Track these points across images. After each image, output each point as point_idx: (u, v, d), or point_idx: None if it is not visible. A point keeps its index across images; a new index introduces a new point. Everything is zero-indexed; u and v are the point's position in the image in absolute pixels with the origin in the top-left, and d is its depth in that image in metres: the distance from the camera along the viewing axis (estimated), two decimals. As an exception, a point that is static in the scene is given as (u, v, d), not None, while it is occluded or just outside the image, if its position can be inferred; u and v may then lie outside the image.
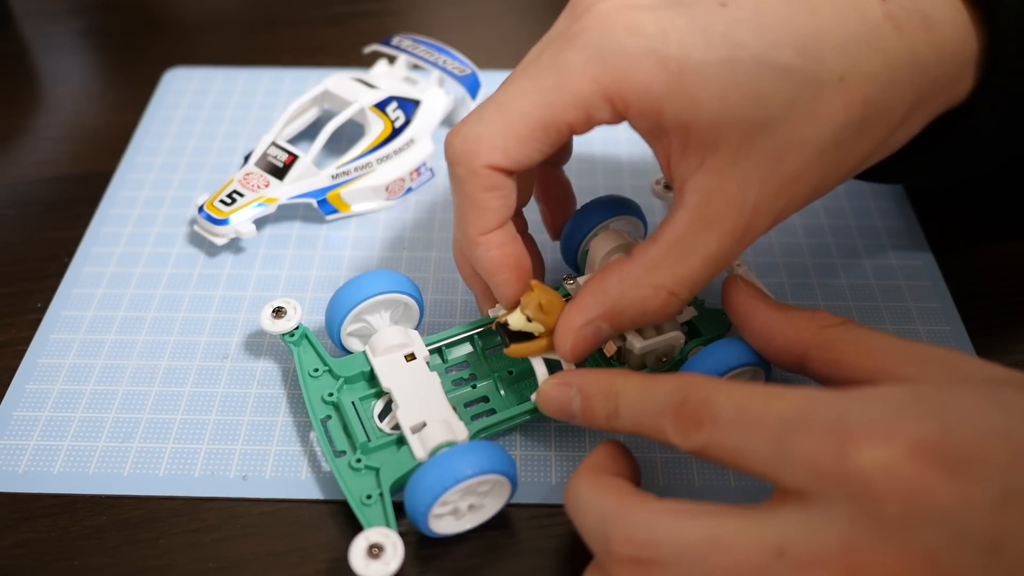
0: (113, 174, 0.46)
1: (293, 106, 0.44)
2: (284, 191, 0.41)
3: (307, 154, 0.42)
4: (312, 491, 0.32)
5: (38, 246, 0.42)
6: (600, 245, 0.34)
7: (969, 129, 0.30)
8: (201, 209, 0.40)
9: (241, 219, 0.40)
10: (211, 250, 0.41)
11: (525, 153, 0.28)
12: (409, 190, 0.44)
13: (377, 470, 0.30)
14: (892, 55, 0.26)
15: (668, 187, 0.36)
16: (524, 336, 0.31)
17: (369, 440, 0.31)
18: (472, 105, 0.48)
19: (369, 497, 0.29)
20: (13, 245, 0.42)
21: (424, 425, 0.30)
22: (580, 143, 0.47)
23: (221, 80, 0.52)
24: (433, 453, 0.29)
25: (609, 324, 0.29)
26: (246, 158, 0.43)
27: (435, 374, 0.32)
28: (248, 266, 0.41)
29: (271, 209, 0.41)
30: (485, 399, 0.33)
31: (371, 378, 0.33)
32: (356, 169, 0.42)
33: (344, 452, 0.31)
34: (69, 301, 0.39)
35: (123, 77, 0.53)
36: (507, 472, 0.29)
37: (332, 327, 0.34)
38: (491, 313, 0.33)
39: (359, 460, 0.30)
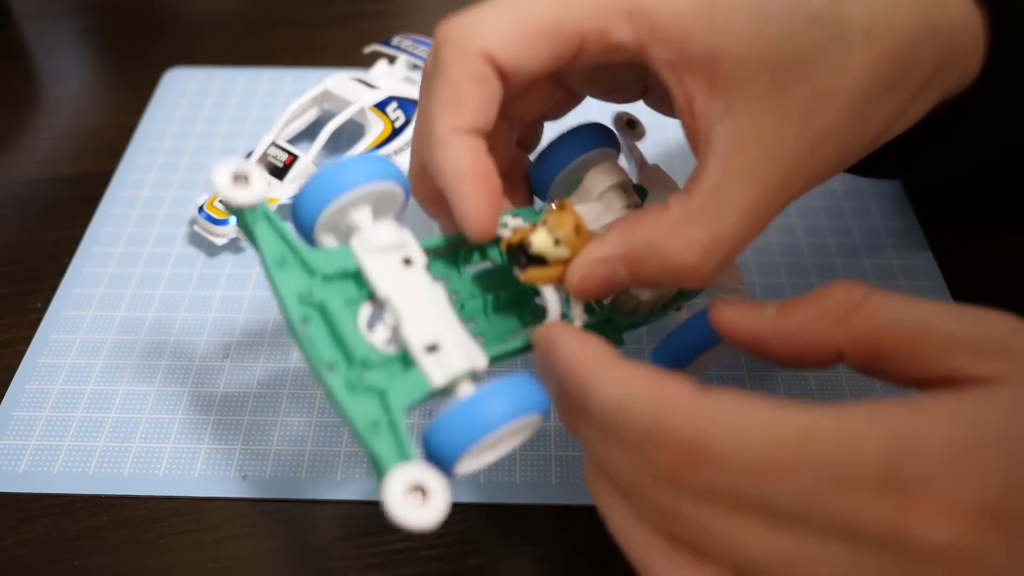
0: (113, 174, 0.46)
1: (293, 106, 0.44)
2: (284, 191, 0.41)
3: (307, 154, 0.42)
4: (312, 491, 0.32)
5: (38, 246, 0.42)
6: (600, 177, 0.30)
7: (976, 112, 0.29)
8: (201, 209, 0.40)
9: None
10: (211, 250, 0.41)
11: (526, 54, 0.25)
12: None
13: (382, 393, 0.24)
14: (912, 15, 0.26)
15: (631, 123, 0.33)
16: (536, 260, 0.27)
17: (368, 356, 0.25)
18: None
19: (376, 424, 0.24)
20: (13, 245, 0.42)
21: (436, 346, 0.25)
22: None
23: (221, 80, 0.52)
24: (453, 383, 0.25)
25: (627, 270, 0.26)
26: (246, 158, 0.43)
27: (441, 284, 0.27)
28: (248, 266, 0.41)
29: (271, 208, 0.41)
30: (472, 322, 0.29)
31: (356, 280, 0.26)
32: None
33: (332, 366, 0.24)
34: (69, 301, 0.39)
35: (123, 77, 0.53)
36: (546, 409, 0.25)
37: (305, 221, 0.26)
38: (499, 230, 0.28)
39: (360, 378, 0.24)
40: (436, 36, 0.26)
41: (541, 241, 0.26)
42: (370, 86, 0.45)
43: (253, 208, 0.26)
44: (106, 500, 0.32)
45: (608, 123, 0.32)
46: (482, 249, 0.30)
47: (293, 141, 0.45)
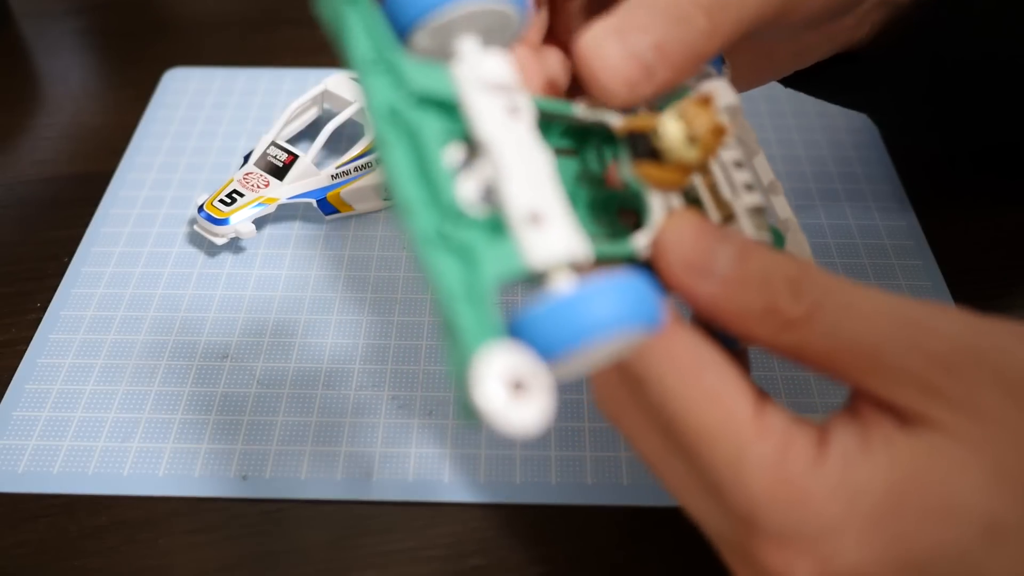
0: (113, 174, 0.46)
1: (293, 106, 0.44)
2: (284, 191, 0.41)
3: (307, 154, 0.42)
4: (312, 491, 0.32)
5: (38, 246, 0.42)
6: (725, 91, 0.25)
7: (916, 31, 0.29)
8: (201, 209, 0.40)
9: (241, 219, 0.40)
10: (211, 250, 0.41)
11: None
12: None
13: (474, 257, 0.18)
14: None
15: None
16: (654, 156, 0.22)
17: (467, 205, 0.19)
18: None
19: (467, 290, 0.18)
20: (13, 245, 0.42)
21: (538, 219, 0.19)
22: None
23: (221, 80, 0.52)
24: (551, 270, 0.19)
25: (652, 44, 0.22)
26: (246, 158, 0.43)
27: (550, 151, 0.21)
28: (248, 266, 0.41)
29: (271, 209, 0.41)
30: None
31: (451, 114, 0.20)
32: (356, 169, 0.42)
33: (417, 209, 0.19)
34: (69, 301, 0.39)
35: (123, 77, 0.53)
36: (658, 321, 0.20)
37: (405, 22, 0.20)
38: (576, 111, 0.23)
39: (445, 232, 0.19)
40: None
41: (673, 132, 0.21)
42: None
43: None
44: (106, 500, 0.32)
45: None
46: (567, 132, 0.25)
47: (293, 141, 0.45)
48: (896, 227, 0.43)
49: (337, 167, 0.42)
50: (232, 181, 0.41)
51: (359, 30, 0.19)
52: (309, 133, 0.46)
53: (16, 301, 0.39)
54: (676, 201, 0.23)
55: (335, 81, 0.45)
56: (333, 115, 0.44)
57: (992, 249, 0.42)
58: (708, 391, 0.21)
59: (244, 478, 0.32)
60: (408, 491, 0.32)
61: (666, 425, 0.22)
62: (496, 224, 0.19)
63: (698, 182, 0.25)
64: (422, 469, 0.33)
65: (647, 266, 0.22)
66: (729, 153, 0.25)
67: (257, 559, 0.30)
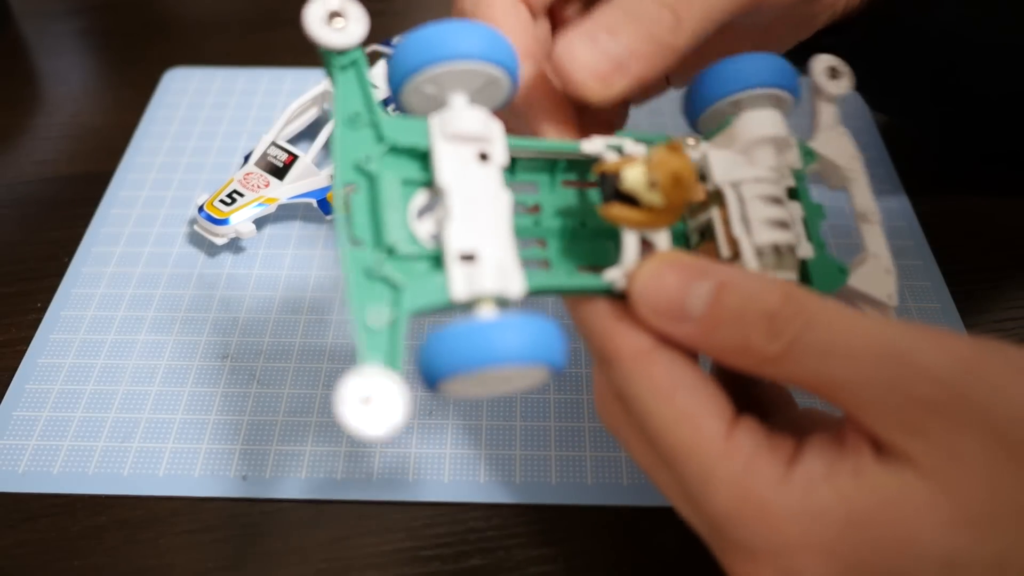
0: (113, 174, 0.46)
1: (293, 106, 0.44)
2: (284, 191, 0.41)
3: (307, 154, 0.42)
4: (312, 491, 0.32)
5: (38, 246, 0.42)
6: (755, 123, 0.26)
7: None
8: (201, 209, 0.40)
9: (241, 219, 0.40)
10: (211, 250, 0.41)
11: None
12: None
13: (397, 289, 0.22)
14: None
15: (835, 72, 0.29)
16: (627, 198, 0.23)
17: (399, 242, 0.22)
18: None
19: (376, 317, 0.21)
20: (13, 245, 0.42)
21: (474, 257, 0.22)
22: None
23: (221, 80, 0.52)
24: (474, 302, 0.22)
25: (628, 47, 0.24)
26: (246, 158, 0.43)
27: (509, 193, 0.23)
28: (248, 266, 0.41)
29: (271, 209, 0.41)
30: (542, 243, 0.26)
31: (423, 160, 0.24)
32: None
33: (361, 243, 0.22)
34: (69, 301, 0.39)
35: (123, 77, 0.53)
36: (556, 364, 0.22)
37: (399, 75, 0.24)
38: (586, 148, 0.25)
39: (380, 265, 0.22)
40: None
41: (634, 178, 0.23)
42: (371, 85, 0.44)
43: (342, 53, 0.23)
44: (106, 500, 0.32)
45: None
46: (581, 168, 0.26)
47: (293, 141, 0.45)
48: (895, 227, 0.43)
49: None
50: (232, 181, 0.41)
51: (349, 90, 0.23)
52: (309, 133, 0.46)
53: (16, 301, 0.39)
54: (663, 239, 0.24)
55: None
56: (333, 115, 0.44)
57: (991, 248, 0.42)
58: (681, 411, 0.22)
59: (244, 478, 0.33)
60: (408, 491, 0.32)
61: (649, 439, 0.23)
62: (439, 258, 0.22)
63: (715, 215, 0.25)
64: (422, 469, 0.33)
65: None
66: (758, 187, 0.25)
67: (257, 559, 0.30)
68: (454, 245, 0.22)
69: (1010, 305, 0.39)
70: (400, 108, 0.25)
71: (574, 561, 0.31)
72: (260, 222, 0.42)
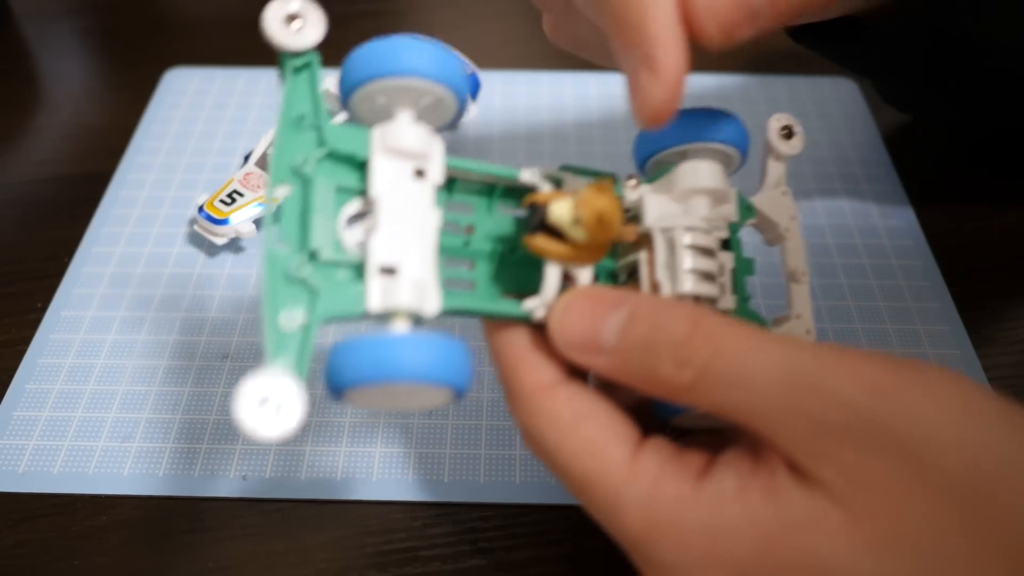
0: (113, 174, 0.46)
1: None
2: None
3: None
4: (312, 491, 0.32)
5: (38, 246, 0.42)
6: (693, 173, 0.26)
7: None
8: (201, 209, 0.40)
9: (241, 219, 0.40)
10: (211, 250, 0.41)
11: None
12: None
13: (315, 294, 0.22)
14: None
15: (789, 132, 0.29)
16: (554, 230, 0.24)
17: (322, 248, 0.23)
18: (472, 105, 0.48)
19: (290, 320, 0.22)
20: (13, 245, 0.42)
21: (394, 271, 0.23)
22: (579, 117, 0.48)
23: (221, 80, 0.52)
24: (387, 315, 0.22)
25: None
26: (246, 158, 0.43)
27: (439, 211, 0.24)
28: (248, 266, 0.41)
29: (271, 209, 0.41)
30: (471, 264, 0.26)
31: (360, 169, 0.24)
32: None
33: (286, 244, 0.23)
34: (69, 301, 0.39)
35: (123, 77, 0.53)
36: (458, 387, 0.22)
37: (348, 84, 0.24)
38: (523, 176, 0.25)
39: (300, 268, 0.22)
40: None
41: (559, 212, 0.23)
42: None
43: (297, 55, 0.24)
44: (106, 500, 0.32)
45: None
46: (519, 195, 0.27)
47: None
48: (896, 227, 0.43)
49: None
50: (232, 181, 0.41)
51: (298, 92, 0.24)
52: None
53: (17, 301, 0.39)
54: (585, 274, 0.25)
55: (335, 81, 0.45)
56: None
57: (991, 249, 0.42)
58: (584, 442, 0.23)
59: (244, 478, 0.33)
60: (408, 491, 0.32)
61: (558, 472, 0.23)
62: (361, 269, 0.23)
63: (642, 258, 0.26)
64: (422, 469, 0.33)
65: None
66: (689, 236, 0.25)
67: (257, 559, 0.30)
68: (376, 257, 0.23)
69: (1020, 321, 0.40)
70: (350, 115, 0.25)
71: (574, 561, 0.31)
72: (260, 222, 0.42)
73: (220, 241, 0.40)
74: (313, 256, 0.22)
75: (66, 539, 0.31)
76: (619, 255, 0.27)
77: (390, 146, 0.24)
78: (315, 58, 0.24)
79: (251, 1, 0.60)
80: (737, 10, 0.22)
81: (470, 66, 0.47)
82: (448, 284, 0.25)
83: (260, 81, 0.52)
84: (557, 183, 0.26)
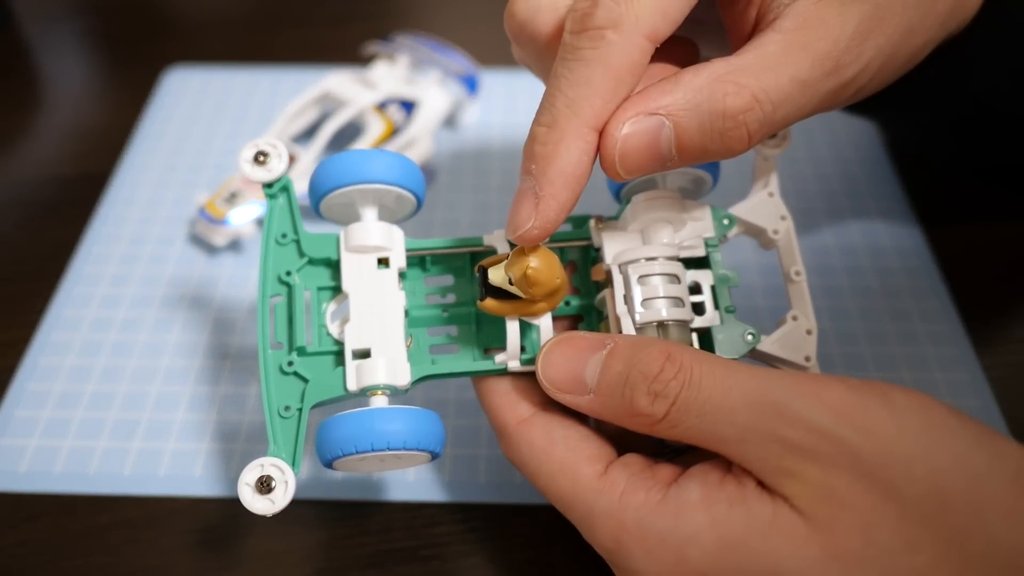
0: (113, 174, 0.46)
1: (293, 106, 0.44)
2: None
3: (306, 154, 0.42)
4: (312, 491, 0.32)
5: (38, 246, 0.42)
6: (642, 206, 0.28)
7: (974, 47, 0.30)
8: (201, 209, 0.40)
9: (241, 219, 0.40)
10: (211, 250, 0.41)
11: (679, 10, 0.24)
12: None
13: (306, 382, 0.26)
14: None
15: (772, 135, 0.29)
16: (505, 292, 0.26)
17: (308, 343, 0.27)
18: (472, 104, 0.48)
19: (287, 409, 0.26)
20: (15, 245, 0.42)
21: (367, 354, 0.27)
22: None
23: (221, 80, 0.52)
24: (364, 391, 0.26)
25: (674, 123, 0.24)
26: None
27: (403, 294, 0.28)
28: (248, 266, 0.41)
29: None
30: (453, 329, 0.29)
31: (335, 269, 0.28)
32: None
33: (281, 344, 0.27)
34: (70, 301, 0.39)
35: (123, 77, 0.54)
36: (432, 450, 0.26)
37: (316, 192, 0.28)
38: (488, 240, 0.29)
39: (291, 363, 0.26)
40: (594, 21, 0.23)
41: (496, 278, 0.26)
42: (370, 86, 0.45)
43: (271, 184, 0.28)
44: (107, 500, 0.32)
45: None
46: (494, 250, 0.29)
47: (295, 141, 0.45)
48: (895, 227, 0.43)
49: None
50: (232, 181, 0.41)
51: (279, 214, 0.28)
52: (311, 133, 0.46)
53: (18, 301, 0.39)
54: (544, 322, 0.27)
55: (336, 81, 0.45)
56: (333, 115, 0.44)
57: (991, 249, 0.42)
58: (559, 464, 0.25)
59: (244, 478, 0.33)
60: (408, 491, 0.32)
61: (542, 494, 0.26)
62: (341, 355, 0.27)
63: (607, 295, 0.28)
64: (422, 469, 0.33)
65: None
66: (647, 266, 0.27)
67: (257, 559, 0.31)
68: (350, 343, 0.26)
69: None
70: (323, 214, 0.29)
71: (574, 561, 0.31)
72: (260, 222, 0.42)
73: (220, 242, 0.40)
74: (302, 351, 0.27)
75: (67, 539, 0.31)
76: (595, 296, 0.29)
77: (355, 245, 0.28)
78: (288, 181, 0.29)
79: (251, 1, 0.60)
80: (647, 160, 0.24)
81: (469, 65, 0.47)
82: (434, 351, 0.28)
83: (260, 81, 0.52)
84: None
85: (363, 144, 0.43)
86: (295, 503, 0.32)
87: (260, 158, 0.28)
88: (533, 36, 0.27)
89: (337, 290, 0.28)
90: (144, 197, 0.44)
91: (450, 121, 0.48)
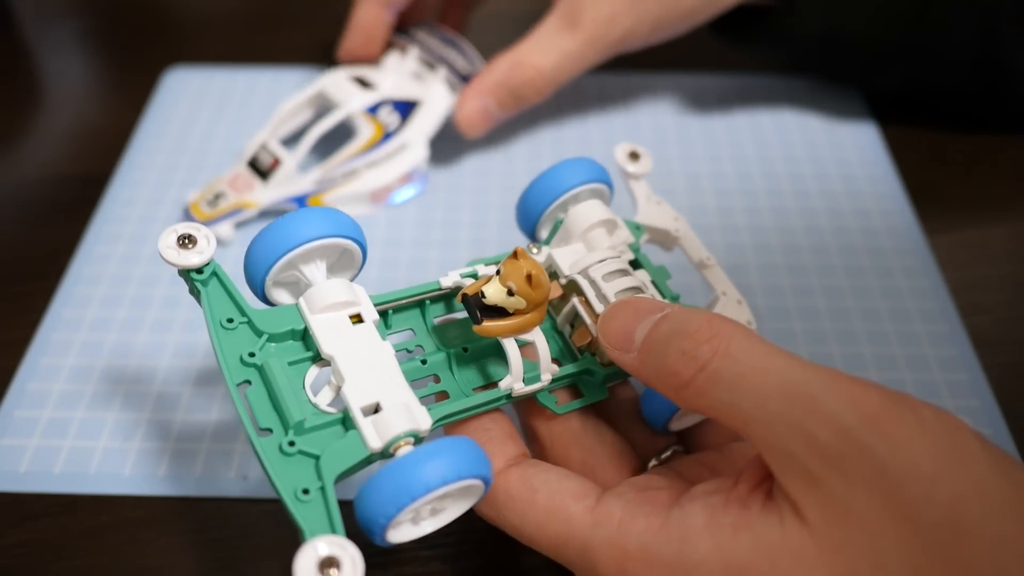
0: (113, 174, 0.46)
1: (286, 106, 0.44)
2: (266, 196, 0.41)
3: (291, 157, 0.41)
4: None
5: (38, 246, 0.42)
6: (584, 215, 0.30)
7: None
8: (185, 209, 0.41)
9: (220, 223, 0.41)
10: (211, 250, 0.41)
11: None
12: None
13: (316, 458, 0.24)
14: None
15: (635, 155, 0.33)
16: (496, 311, 0.26)
17: (305, 418, 0.24)
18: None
19: (306, 492, 0.23)
20: (15, 245, 0.42)
21: (378, 408, 0.25)
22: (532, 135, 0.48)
23: (221, 80, 0.52)
24: (391, 444, 0.24)
25: (494, 99, 0.42)
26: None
27: (388, 344, 0.26)
28: (236, 264, 0.41)
29: (251, 214, 0.41)
30: (436, 378, 0.28)
31: (304, 339, 0.26)
32: (342, 175, 0.42)
33: (270, 430, 0.24)
34: (70, 301, 0.39)
35: (123, 77, 0.54)
36: (484, 476, 0.24)
37: (256, 275, 0.26)
38: (444, 282, 0.28)
39: (292, 443, 0.24)
40: None
41: (493, 292, 0.26)
42: (367, 85, 0.44)
43: (200, 269, 0.26)
44: (107, 500, 0.32)
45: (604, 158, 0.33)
46: (448, 300, 0.29)
47: (288, 141, 0.44)
48: (903, 247, 0.43)
49: (322, 172, 0.42)
50: (218, 183, 0.41)
51: (216, 298, 0.26)
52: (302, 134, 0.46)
53: (18, 301, 0.39)
54: (541, 341, 0.27)
55: (331, 80, 0.44)
56: (328, 115, 0.43)
57: (991, 248, 0.42)
58: (544, 509, 0.24)
59: (244, 478, 0.33)
60: (408, 491, 0.32)
61: (530, 545, 0.25)
62: (347, 419, 0.24)
63: (577, 302, 0.28)
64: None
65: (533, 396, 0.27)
66: (603, 267, 0.29)
67: (257, 559, 0.31)
68: (356, 402, 0.24)
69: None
70: (271, 301, 0.27)
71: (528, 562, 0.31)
72: (260, 221, 0.42)
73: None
74: (300, 427, 0.24)
75: (67, 539, 0.31)
76: (553, 315, 0.30)
77: (320, 307, 0.26)
78: (217, 266, 0.26)
79: (252, 1, 0.60)
80: (478, 114, 0.43)
81: (477, 64, 0.47)
82: (425, 402, 0.26)
83: (260, 81, 0.52)
84: (473, 276, 0.28)
85: (351, 148, 0.42)
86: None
87: (186, 242, 0.26)
88: None
89: (312, 360, 0.26)
90: (144, 197, 0.44)
91: (451, 123, 0.48)
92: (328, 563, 0.21)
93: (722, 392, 0.22)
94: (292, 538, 0.31)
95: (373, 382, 0.25)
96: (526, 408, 0.29)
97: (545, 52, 0.41)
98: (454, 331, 0.29)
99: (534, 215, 0.31)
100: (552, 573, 0.30)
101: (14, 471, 0.33)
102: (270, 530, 0.31)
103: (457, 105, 0.41)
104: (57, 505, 0.32)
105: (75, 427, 0.34)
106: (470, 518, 0.31)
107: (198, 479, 0.33)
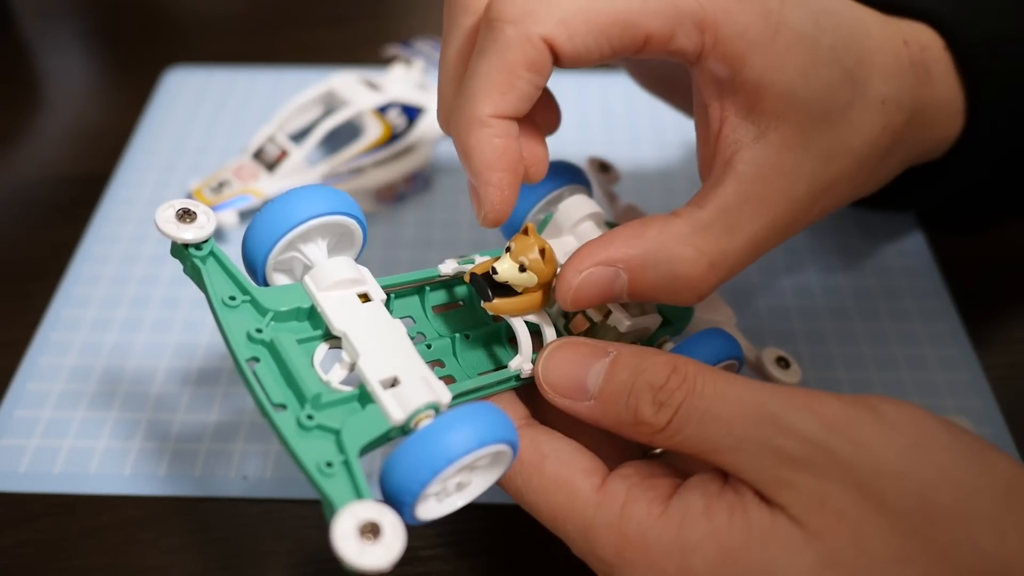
0: (113, 174, 0.46)
1: (296, 102, 0.44)
2: (272, 185, 0.41)
3: (299, 150, 0.42)
4: (312, 491, 0.32)
5: (38, 246, 0.42)
6: (572, 209, 0.30)
7: (952, 170, 0.33)
8: (189, 196, 0.41)
9: (224, 209, 0.41)
10: (211, 250, 0.41)
11: (587, 47, 0.24)
12: (401, 197, 0.44)
13: (336, 432, 0.23)
14: (914, 95, 0.28)
15: (604, 167, 0.33)
16: (504, 291, 0.26)
17: (321, 392, 0.23)
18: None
19: (330, 465, 0.22)
20: (15, 245, 0.42)
21: (396, 381, 0.24)
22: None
23: (221, 80, 0.52)
24: (413, 417, 0.23)
25: (630, 276, 0.25)
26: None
27: (399, 322, 0.26)
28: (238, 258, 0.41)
29: (256, 202, 0.41)
30: (440, 363, 0.28)
31: (310, 318, 0.26)
32: (349, 172, 0.43)
33: (284, 406, 0.23)
34: (70, 301, 0.39)
35: (123, 77, 0.54)
36: (512, 440, 0.23)
37: (256, 257, 0.25)
38: (444, 269, 0.28)
39: (310, 417, 0.23)
40: (495, 12, 0.24)
41: (506, 268, 0.25)
42: (375, 88, 0.44)
43: (199, 246, 0.25)
44: (107, 500, 0.32)
45: (582, 163, 0.33)
46: (449, 287, 0.29)
47: (295, 137, 0.45)
48: (903, 247, 0.43)
49: (329, 167, 0.42)
50: (223, 171, 0.41)
51: (216, 277, 0.25)
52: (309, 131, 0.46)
53: (18, 301, 0.39)
54: (548, 330, 0.27)
55: (341, 81, 0.45)
56: (335, 114, 0.44)
57: (991, 249, 0.42)
58: (551, 479, 0.24)
59: (244, 478, 0.33)
60: (408, 491, 0.32)
61: (530, 512, 0.25)
62: (364, 395, 0.24)
63: None
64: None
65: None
66: None
67: (257, 559, 0.31)
68: (374, 376, 0.24)
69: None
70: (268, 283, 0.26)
71: (574, 561, 0.31)
72: (244, 213, 0.42)
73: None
74: (317, 400, 0.23)
75: (67, 539, 0.31)
76: (547, 308, 0.29)
77: (326, 284, 0.25)
78: (215, 246, 0.25)
79: (252, 1, 0.60)
80: (597, 300, 0.26)
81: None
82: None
83: (260, 81, 0.52)
84: (471, 263, 0.28)
85: (360, 145, 0.42)
86: (295, 503, 0.32)
87: (185, 216, 0.25)
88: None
89: (321, 339, 0.25)
90: (144, 197, 0.44)
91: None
92: (368, 529, 0.20)
93: (691, 428, 0.23)
94: (292, 538, 0.31)
95: (389, 357, 0.24)
96: (533, 390, 0.28)
97: (724, 235, 0.26)
98: (453, 319, 0.29)
99: (518, 216, 0.30)
100: (553, 572, 0.30)
101: (14, 471, 0.33)
102: (270, 530, 0.31)
103: (566, 273, 0.26)
104: (57, 505, 0.32)
105: (75, 427, 0.34)
106: (470, 518, 0.32)
107: (198, 479, 0.33)
